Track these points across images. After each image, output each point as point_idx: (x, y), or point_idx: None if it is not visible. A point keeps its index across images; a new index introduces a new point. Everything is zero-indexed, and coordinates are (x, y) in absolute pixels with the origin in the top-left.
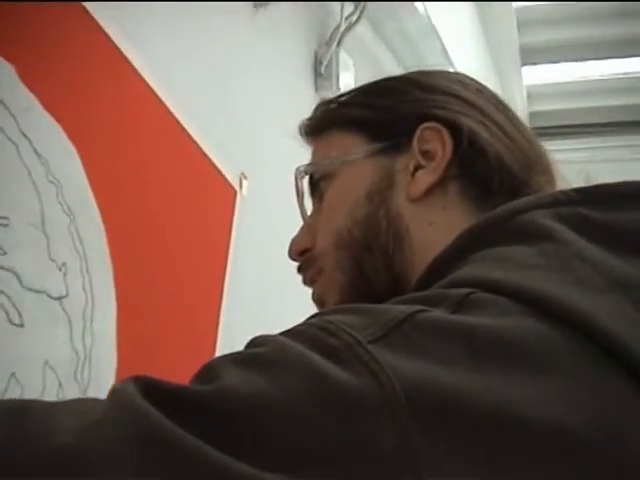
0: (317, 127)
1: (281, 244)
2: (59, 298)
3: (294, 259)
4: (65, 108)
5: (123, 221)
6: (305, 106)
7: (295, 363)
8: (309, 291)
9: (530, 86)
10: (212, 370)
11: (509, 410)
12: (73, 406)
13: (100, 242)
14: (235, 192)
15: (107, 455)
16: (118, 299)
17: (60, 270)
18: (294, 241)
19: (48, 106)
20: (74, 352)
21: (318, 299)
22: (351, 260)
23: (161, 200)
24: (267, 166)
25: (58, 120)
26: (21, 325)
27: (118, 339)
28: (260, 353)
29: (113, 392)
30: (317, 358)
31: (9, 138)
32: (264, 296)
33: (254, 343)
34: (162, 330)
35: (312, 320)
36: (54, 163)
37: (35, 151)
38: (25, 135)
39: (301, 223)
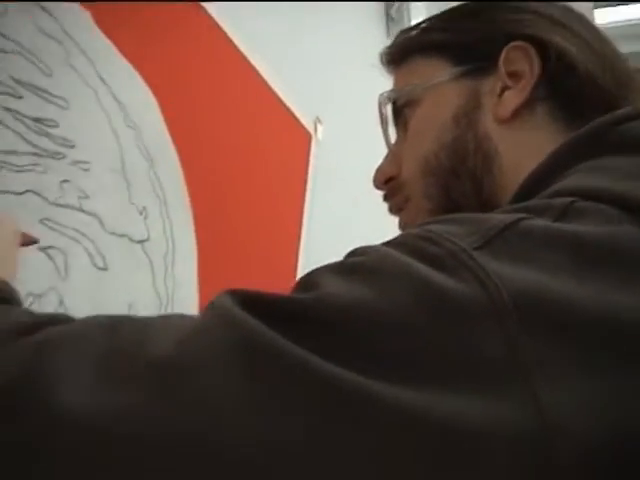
0: (398, 55)
1: (355, 188)
2: (141, 242)
3: (379, 188)
4: (141, 54)
5: (201, 165)
6: (377, 51)
7: (397, 271)
8: (385, 234)
9: (603, 28)
10: (311, 280)
11: (618, 315)
12: (167, 321)
13: (179, 186)
14: (310, 136)
15: (209, 363)
16: (198, 242)
17: (141, 214)
18: (379, 170)
19: (124, 52)
20: (157, 296)
21: (405, 228)
22: (438, 187)
23: (238, 145)
24: (340, 110)
25: (135, 66)
26: (105, 268)
27: (199, 282)
28: (361, 262)
29: (209, 306)
30: (420, 266)
31: (88, 84)
32: (342, 239)
33: (354, 253)
34: (242, 273)
35: (411, 231)
36: (132, 108)
37: (114, 96)
38: (103, 80)
39: (374, 166)
